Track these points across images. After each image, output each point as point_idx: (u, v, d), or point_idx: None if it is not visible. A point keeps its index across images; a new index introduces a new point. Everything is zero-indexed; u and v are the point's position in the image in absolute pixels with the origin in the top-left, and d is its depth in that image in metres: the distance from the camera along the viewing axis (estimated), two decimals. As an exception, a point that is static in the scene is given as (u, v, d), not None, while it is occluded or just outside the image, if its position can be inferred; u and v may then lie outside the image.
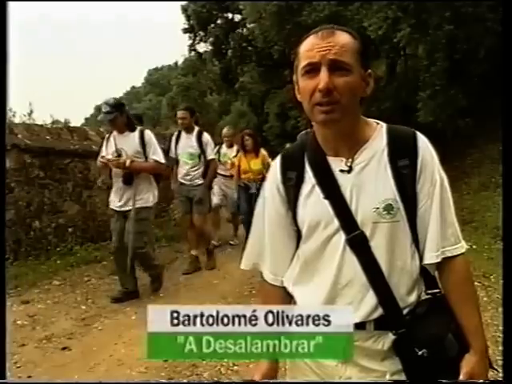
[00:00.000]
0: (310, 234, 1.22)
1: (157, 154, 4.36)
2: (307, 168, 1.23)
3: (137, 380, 2.96)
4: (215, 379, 2.90)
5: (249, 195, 5.99)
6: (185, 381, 2.93)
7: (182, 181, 5.45)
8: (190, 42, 20.16)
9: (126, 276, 4.39)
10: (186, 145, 5.41)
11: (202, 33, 19.39)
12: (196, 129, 5.45)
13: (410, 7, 8.92)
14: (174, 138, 5.51)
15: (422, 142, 1.19)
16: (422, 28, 8.93)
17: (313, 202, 1.20)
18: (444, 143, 7.14)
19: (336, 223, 1.17)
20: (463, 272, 1.20)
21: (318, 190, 1.20)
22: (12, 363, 3.07)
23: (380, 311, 1.16)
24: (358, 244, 1.16)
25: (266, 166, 5.81)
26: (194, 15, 18.71)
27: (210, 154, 5.47)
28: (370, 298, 1.16)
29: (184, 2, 19.24)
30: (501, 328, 3.19)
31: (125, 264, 4.30)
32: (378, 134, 1.20)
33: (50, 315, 4.08)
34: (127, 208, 4.30)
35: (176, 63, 36.16)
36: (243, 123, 18.59)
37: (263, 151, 6.33)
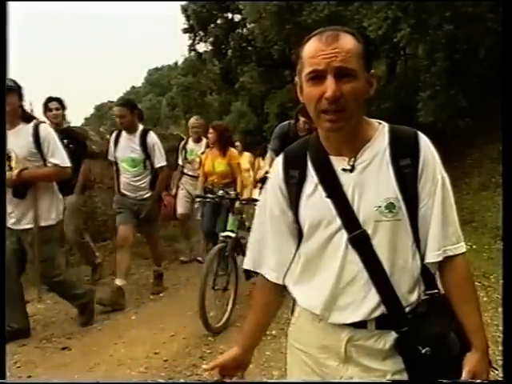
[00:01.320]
0: (312, 233, 1.22)
1: (57, 156, 3.36)
2: (310, 167, 1.23)
3: (137, 380, 2.96)
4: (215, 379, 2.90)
5: (212, 204, 4.83)
6: (185, 381, 2.93)
7: (125, 192, 4.46)
8: (190, 42, 20.14)
9: (15, 311, 3.38)
10: (127, 148, 4.39)
11: (202, 33, 19.36)
12: (140, 128, 4.42)
13: (410, 7, 8.91)
14: (112, 139, 4.55)
15: (424, 141, 1.19)
16: (422, 28, 8.93)
17: (315, 201, 1.21)
18: (444, 143, 7.12)
19: (338, 222, 1.18)
20: (464, 271, 1.20)
21: (320, 188, 1.20)
22: (12, 363, 3.07)
23: (382, 310, 1.16)
24: (360, 243, 1.16)
25: (235, 169, 4.99)
26: (193, 15, 18.69)
27: (159, 160, 4.40)
28: (372, 297, 1.16)
29: (184, 2, 19.24)
30: (501, 328, 3.19)
31: (13, 295, 3.33)
32: (380, 134, 1.21)
33: (50, 315, 4.08)
34: (21, 227, 3.38)
35: (176, 63, 36.17)
36: (243, 123, 18.58)
37: (233, 150, 5.13)
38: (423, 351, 1.13)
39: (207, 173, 5.07)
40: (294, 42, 11.43)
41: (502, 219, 4.39)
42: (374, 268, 1.16)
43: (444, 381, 1.13)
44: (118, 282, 4.24)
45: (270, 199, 1.31)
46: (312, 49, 1.13)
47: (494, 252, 5.21)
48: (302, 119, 4.42)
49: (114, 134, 4.58)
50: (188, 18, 19.09)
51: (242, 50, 18.18)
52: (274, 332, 3.27)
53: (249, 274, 3.99)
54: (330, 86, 1.09)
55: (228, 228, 4.06)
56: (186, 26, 19.50)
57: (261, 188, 4.32)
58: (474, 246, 5.41)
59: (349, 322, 1.19)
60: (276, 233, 1.30)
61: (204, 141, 5.66)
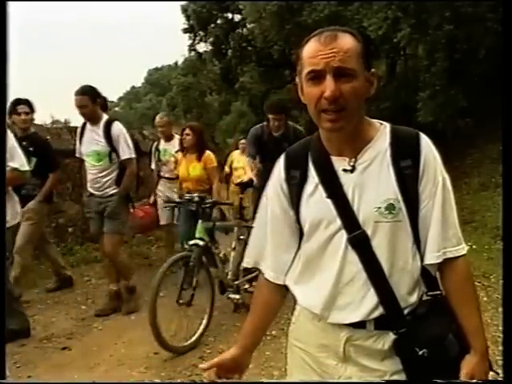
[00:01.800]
0: (312, 233, 1.22)
1: (15, 159, 3.15)
2: (311, 167, 1.24)
3: (137, 380, 2.97)
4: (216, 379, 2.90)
5: (187, 212, 4.39)
6: (185, 381, 2.94)
7: (92, 190, 4.07)
8: (190, 42, 20.16)
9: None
10: (91, 141, 4.00)
11: (202, 33, 19.37)
12: (104, 118, 4.00)
13: (410, 7, 8.91)
14: (78, 132, 4.18)
15: (425, 142, 1.19)
16: (422, 28, 8.93)
17: (315, 201, 1.21)
18: (444, 143, 7.12)
19: (338, 222, 1.18)
20: (464, 273, 1.20)
21: (320, 189, 1.20)
22: (12, 363, 3.07)
23: (381, 310, 1.16)
24: (360, 243, 1.16)
25: (212, 174, 4.53)
26: (193, 15, 18.70)
27: (125, 152, 3.96)
28: (371, 297, 1.16)
29: (184, 2, 19.25)
30: (501, 328, 3.19)
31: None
32: (382, 135, 1.21)
33: (50, 315, 4.09)
34: None
35: (176, 63, 36.20)
36: (243, 123, 18.60)
37: (209, 153, 4.60)
38: (420, 353, 1.13)
39: (181, 178, 4.68)
40: (293, 42, 11.44)
41: (502, 219, 4.39)
42: (373, 269, 1.16)
43: (439, 381, 1.13)
44: (112, 286, 4.17)
45: (270, 199, 1.31)
46: (311, 49, 1.13)
47: (494, 252, 5.21)
48: (270, 117, 4.30)
49: (79, 128, 4.18)
50: (188, 17, 19.09)
51: (242, 50, 18.19)
52: (273, 332, 3.27)
53: (223, 287, 3.84)
54: (328, 85, 1.09)
55: (196, 235, 3.59)
56: (186, 26, 19.52)
57: (241, 192, 4.22)
58: (474, 246, 5.41)
59: (348, 322, 1.19)
60: (276, 232, 1.30)
61: (176, 138, 5.10)
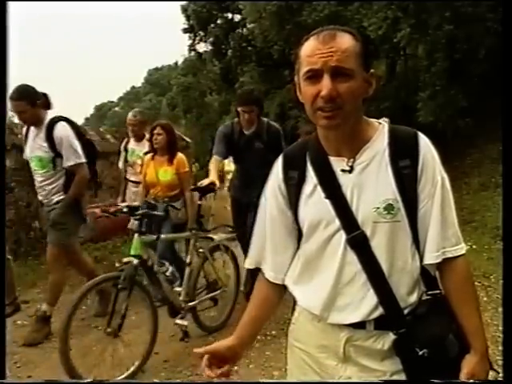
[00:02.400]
0: (311, 234, 1.22)
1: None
2: (309, 167, 1.23)
3: (137, 380, 2.96)
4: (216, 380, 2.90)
5: (155, 221, 3.92)
6: (185, 381, 2.94)
7: (40, 198, 3.72)
8: (190, 42, 20.18)
9: None
10: (34, 145, 3.58)
11: (201, 33, 19.39)
12: (47, 119, 3.54)
13: (410, 7, 8.91)
14: (23, 134, 3.79)
15: (424, 142, 1.19)
16: (422, 28, 8.93)
17: (314, 202, 1.21)
18: (444, 143, 7.13)
19: (337, 223, 1.17)
20: (463, 273, 1.20)
21: (319, 189, 1.20)
22: (12, 363, 3.07)
23: (380, 311, 1.16)
24: (359, 244, 1.16)
25: (184, 179, 4.07)
26: (193, 15, 18.71)
27: (70, 158, 3.50)
28: (371, 298, 1.16)
29: (184, 2, 19.27)
30: (501, 328, 3.19)
31: None
32: (380, 134, 1.20)
33: (50, 315, 4.07)
34: None
35: (176, 63, 36.20)
36: (243, 123, 18.58)
37: (181, 156, 4.12)
38: (420, 353, 1.13)
39: (149, 184, 4.13)
40: (293, 41, 11.43)
41: (502, 219, 4.39)
42: (373, 269, 1.16)
43: (437, 381, 1.12)
44: (44, 306, 3.61)
45: (269, 200, 1.31)
46: (309, 48, 1.13)
47: (494, 252, 5.20)
48: (239, 109, 3.84)
49: (24, 129, 3.78)
50: (188, 17, 19.11)
51: (242, 50, 18.20)
52: (273, 332, 3.27)
53: (174, 310, 3.35)
54: (325, 85, 1.09)
55: (132, 252, 3.04)
56: (186, 26, 19.54)
57: (200, 199, 3.64)
58: (474, 246, 5.41)
59: (347, 322, 1.19)
60: (275, 233, 1.30)
61: (147, 139, 4.60)
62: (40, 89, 3.59)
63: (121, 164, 5.09)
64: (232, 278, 4.00)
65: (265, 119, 4.13)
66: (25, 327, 3.81)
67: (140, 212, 3.19)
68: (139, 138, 4.89)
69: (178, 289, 3.51)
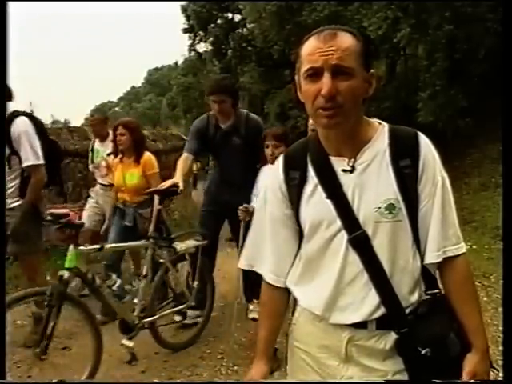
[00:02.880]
0: (313, 234, 1.22)
1: None
2: (310, 168, 1.23)
3: (137, 380, 2.97)
4: (215, 379, 2.90)
5: (122, 228, 3.81)
6: (185, 381, 2.94)
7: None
8: (190, 42, 20.21)
9: None
10: None
11: (202, 33, 19.42)
12: (7, 114, 3.12)
13: (410, 7, 8.92)
14: None
15: (424, 142, 1.19)
16: (422, 28, 8.93)
17: (315, 202, 1.21)
18: (444, 143, 7.13)
19: (338, 223, 1.17)
20: (464, 272, 1.20)
21: (320, 189, 1.20)
22: (12, 363, 3.06)
23: (382, 310, 1.16)
24: (360, 243, 1.16)
25: (154, 182, 3.66)
26: (193, 15, 18.73)
27: (28, 157, 3.10)
28: (372, 297, 1.16)
29: (184, 2, 19.29)
30: (501, 328, 3.19)
31: None
32: (380, 134, 1.20)
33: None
34: None
35: (176, 63, 36.21)
36: (243, 123, 18.59)
37: (149, 156, 3.82)
38: (423, 352, 1.13)
39: (117, 188, 3.90)
40: (293, 41, 11.44)
41: (502, 219, 4.39)
42: (374, 269, 1.16)
43: (437, 381, 1.12)
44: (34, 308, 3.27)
45: (269, 201, 1.31)
46: (310, 47, 1.13)
47: (494, 252, 5.21)
48: (210, 99, 3.42)
49: None
50: (188, 17, 19.14)
51: (242, 50, 18.22)
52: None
53: (126, 327, 2.99)
54: (325, 83, 1.08)
55: (66, 265, 2.70)
56: (186, 26, 19.57)
57: (160, 203, 3.25)
58: (474, 246, 5.41)
59: (349, 322, 1.19)
60: (276, 234, 1.29)
61: (110, 139, 4.34)
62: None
63: (90, 166, 4.79)
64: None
65: (244, 111, 3.66)
66: (24, 327, 3.81)
67: (63, 220, 2.82)
68: (103, 138, 4.63)
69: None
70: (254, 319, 3.60)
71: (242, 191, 3.18)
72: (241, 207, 3.00)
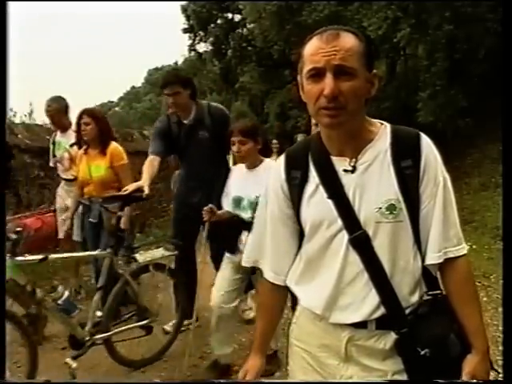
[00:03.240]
0: (313, 234, 1.22)
1: None
2: (311, 167, 1.23)
3: (137, 380, 2.96)
4: (215, 380, 2.90)
5: (90, 225, 3.55)
6: (185, 381, 2.93)
7: None
8: (190, 42, 20.20)
9: None
10: None
11: (201, 33, 19.41)
12: None
13: (410, 7, 8.92)
14: None
15: (426, 142, 1.19)
16: (422, 28, 8.93)
17: (316, 202, 1.21)
18: (444, 143, 7.11)
19: (339, 223, 1.17)
20: (465, 273, 1.20)
21: (321, 189, 1.20)
22: (12, 363, 3.06)
23: (382, 310, 1.16)
24: (361, 243, 1.16)
25: (123, 174, 3.45)
26: (193, 15, 18.73)
27: None
28: (372, 297, 1.16)
29: (184, 2, 19.28)
30: (501, 328, 3.19)
31: None
32: (382, 135, 1.20)
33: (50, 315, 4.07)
34: None
35: (176, 63, 36.16)
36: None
37: (117, 146, 3.52)
38: (422, 352, 1.13)
39: (83, 182, 3.56)
40: (293, 41, 11.44)
41: (502, 219, 4.39)
42: (375, 269, 1.16)
43: (439, 381, 1.12)
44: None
45: (270, 199, 1.31)
46: (313, 47, 1.13)
47: (494, 252, 5.20)
48: (164, 93, 3.21)
49: None
50: (188, 17, 19.13)
51: (242, 50, 18.22)
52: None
53: (77, 342, 2.75)
54: (328, 83, 1.09)
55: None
56: (186, 26, 19.56)
57: (121, 209, 2.97)
58: (474, 246, 5.40)
59: (349, 322, 1.19)
60: (276, 233, 1.30)
61: (73, 129, 3.96)
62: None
63: (51, 161, 4.36)
64: (173, 304, 3.39)
65: (205, 102, 3.45)
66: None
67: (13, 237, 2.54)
68: (64, 129, 4.21)
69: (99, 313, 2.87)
70: (249, 321, 3.57)
71: (213, 190, 2.88)
72: (206, 208, 2.68)
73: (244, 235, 2.60)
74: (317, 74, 1.11)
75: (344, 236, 1.17)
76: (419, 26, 8.91)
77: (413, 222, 1.16)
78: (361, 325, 1.18)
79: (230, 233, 2.71)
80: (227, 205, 2.76)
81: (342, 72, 1.09)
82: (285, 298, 1.36)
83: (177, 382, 2.95)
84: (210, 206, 2.73)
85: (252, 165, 2.73)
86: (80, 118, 3.48)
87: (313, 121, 2.72)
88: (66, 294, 2.94)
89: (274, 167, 1.34)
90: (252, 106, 19.10)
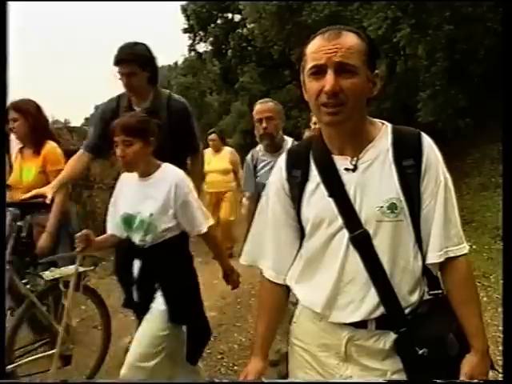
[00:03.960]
0: (314, 232, 1.22)
1: None
2: (312, 166, 1.24)
3: (137, 380, 2.96)
4: (215, 379, 2.90)
5: (16, 228, 2.58)
6: (184, 381, 2.93)
7: None
8: (190, 42, 20.19)
9: None
10: None
11: (201, 33, 19.39)
12: None
13: (410, 7, 8.91)
14: None
15: (427, 142, 1.19)
16: (422, 28, 8.93)
17: (317, 200, 1.21)
18: (444, 143, 7.11)
19: (340, 221, 1.18)
20: (465, 272, 1.20)
21: (322, 188, 1.21)
22: (12, 363, 3.06)
23: (381, 310, 1.16)
24: (361, 242, 1.16)
25: (51, 175, 2.80)
26: (193, 15, 18.71)
27: None
28: (372, 297, 1.16)
29: (184, 2, 19.26)
30: (501, 328, 3.19)
31: None
32: (383, 134, 1.21)
33: (50, 315, 4.07)
34: None
35: (176, 63, 36.15)
36: (243, 123, 18.59)
37: (53, 145, 2.96)
38: (420, 352, 1.13)
39: (13, 186, 2.93)
40: (294, 42, 11.42)
41: (502, 219, 4.39)
42: (375, 268, 1.16)
43: (438, 381, 1.12)
44: None
45: (272, 198, 1.31)
46: (315, 45, 1.14)
47: (494, 252, 5.20)
48: (117, 71, 2.58)
49: None
50: (188, 18, 19.12)
51: (242, 50, 18.20)
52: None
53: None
54: (329, 80, 1.09)
55: None
56: (186, 26, 19.54)
57: (21, 217, 2.55)
58: (474, 246, 5.40)
59: (349, 321, 1.19)
60: (277, 232, 1.30)
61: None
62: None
63: None
64: (99, 327, 3.07)
65: (167, 91, 2.80)
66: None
67: None
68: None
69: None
70: None
71: None
72: (78, 235, 2.11)
73: (136, 265, 2.08)
74: (318, 72, 1.12)
75: (344, 234, 1.17)
76: (419, 26, 8.91)
77: (414, 221, 1.17)
78: (361, 324, 1.18)
79: (119, 267, 2.19)
80: (113, 226, 2.22)
81: (343, 69, 1.10)
82: (285, 297, 1.35)
83: (177, 381, 2.94)
84: (85, 231, 2.11)
85: (145, 173, 2.07)
86: (7, 113, 2.85)
87: (312, 120, 2.70)
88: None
89: (276, 166, 1.33)
90: (252, 106, 19.08)
